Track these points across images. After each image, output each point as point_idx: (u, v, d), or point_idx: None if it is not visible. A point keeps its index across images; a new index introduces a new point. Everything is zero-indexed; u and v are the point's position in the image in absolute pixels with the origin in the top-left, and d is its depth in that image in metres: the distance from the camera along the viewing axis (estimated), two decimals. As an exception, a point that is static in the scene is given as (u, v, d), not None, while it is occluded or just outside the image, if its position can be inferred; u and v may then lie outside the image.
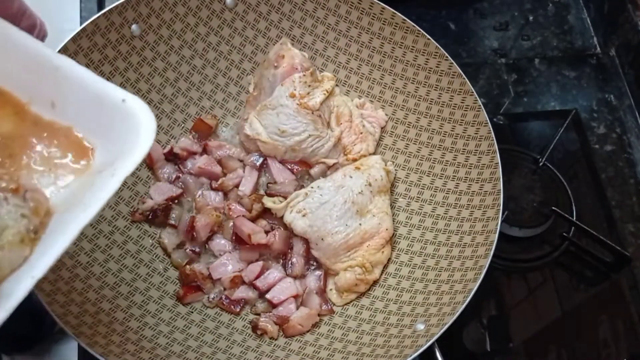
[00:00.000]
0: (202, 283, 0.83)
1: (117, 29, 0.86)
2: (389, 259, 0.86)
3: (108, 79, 0.85)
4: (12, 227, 0.48)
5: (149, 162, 0.89)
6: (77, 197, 0.51)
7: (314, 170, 0.89)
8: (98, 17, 0.84)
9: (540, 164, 1.02)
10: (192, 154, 0.90)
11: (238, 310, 0.83)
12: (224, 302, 0.83)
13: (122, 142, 0.50)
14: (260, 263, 0.84)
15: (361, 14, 0.91)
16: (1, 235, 0.47)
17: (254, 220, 0.86)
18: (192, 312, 0.82)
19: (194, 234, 0.84)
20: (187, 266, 0.84)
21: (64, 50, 0.81)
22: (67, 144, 0.54)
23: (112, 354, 0.71)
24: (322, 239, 0.83)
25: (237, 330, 0.82)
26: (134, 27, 0.87)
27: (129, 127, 0.51)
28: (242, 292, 0.84)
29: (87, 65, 0.84)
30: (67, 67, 0.54)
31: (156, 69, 0.90)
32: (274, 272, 0.84)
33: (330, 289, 0.86)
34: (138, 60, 0.89)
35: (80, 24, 0.85)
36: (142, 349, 0.75)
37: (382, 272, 0.85)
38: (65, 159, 0.54)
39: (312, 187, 0.86)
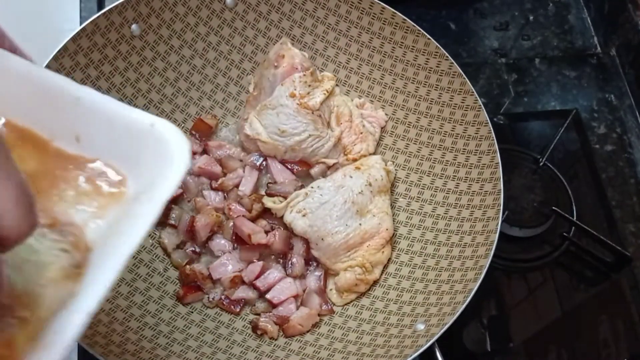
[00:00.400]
0: (202, 283, 0.83)
1: (117, 29, 0.86)
2: (389, 259, 0.86)
3: (108, 78, 0.86)
4: (54, 263, 0.45)
5: None
6: (115, 229, 0.48)
7: (314, 170, 0.89)
8: (98, 17, 0.84)
9: (541, 163, 1.02)
10: (192, 154, 0.90)
11: (238, 310, 0.83)
12: (224, 302, 0.83)
13: (156, 168, 0.48)
14: (260, 263, 0.84)
15: (361, 13, 0.91)
16: (45, 272, 0.44)
17: (254, 220, 0.86)
18: (192, 312, 0.82)
19: (194, 234, 0.84)
20: (187, 266, 0.84)
21: (64, 50, 0.81)
22: (97, 176, 0.51)
23: (112, 354, 0.71)
24: (322, 239, 0.83)
25: (237, 331, 0.82)
26: (133, 26, 0.87)
27: (161, 152, 0.48)
28: (242, 292, 0.84)
29: (87, 65, 0.84)
30: (88, 98, 0.51)
31: (156, 68, 0.90)
32: (274, 272, 0.84)
33: (330, 289, 0.86)
34: (138, 60, 0.88)
35: (80, 23, 0.85)
36: (142, 349, 0.75)
37: (382, 272, 0.85)
38: (97, 192, 0.51)
39: (312, 187, 0.86)
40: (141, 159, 0.50)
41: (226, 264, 0.84)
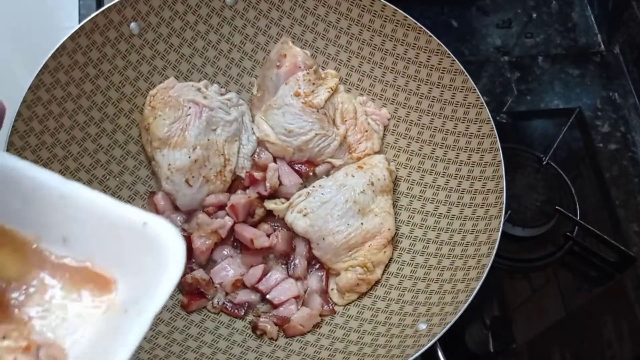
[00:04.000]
0: (205, 289, 0.82)
1: (116, 27, 0.85)
2: (391, 258, 0.85)
3: (107, 77, 0.86)
4: None
5: None
6: (101, 345, 0.44)
7: (319, 169, 0.89)
8: (97, 15, 0.83)
9: (544, 162, 1.01)
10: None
11: (242, 314, 0.82)
12: (227, 307, 0.82)
13: (148, 273, 0.44)
14: (262, 266, 0.83)
15: (362, 11, 0.91)
16: None
17: (256, 225, 0.85)
18: (192, 313, 0.82)
19: (192, 253, 0.83)
20: (187, 275, 0.82)
21: (62, 49, 0.81)
22: (84, 283, 0.47)
23: (111, 355, 0.71)
24: (323, 239, 0.82)
25: (237, 331, 0.81)
26: (132, 25, 0.87)
27: (153, 255, 0.44)
28: (244, 295, 0.83)
29: (86, 64, 0.83)
30: (74, 195, 0.47)
31: (155, 67, 0.89)
32: (276, 274, 0.83)
33: (332, 289, 0.85)
34: (137, 58, 0.88)
35: (79, 21, 0.85)
36: (141, 349, 0.75)
37: (383, 272, 0.85)
38: (83, 301, 0.46)
39: (313, 187, 0.86)
40: (133, 262, 0.46)
41: (227, 268, 0.84)
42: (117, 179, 0.86)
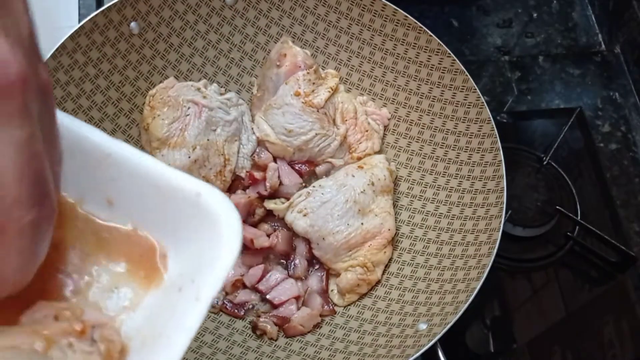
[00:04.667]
0: None
1: (116, 27, 0.85)
2: (391, 258, 0.85)
3: (107, 77, 0.86)
4: None
5: None
6: (156, 324, 0.40)
7: (319, 169, 0.88)
8: (96, 15, 0.83)
9: (544, 162, 1.01)
10: None
11: (242, 314, 0.82)
12: (227, 307, 0.82)
13: (201, 248, 0.40)
14: (262, 267, 0.83)
15: (362, 10, 0.91)
16: None
17: (256, 224, 0.85)
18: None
19: None
20: None
21: (62, 48, 0.81)
22: (133, 251, 0.43)
23: (110, 355, 0.71)
24: (323, 239, 0.82)
25: (237, 331, 0.81)
26: (132, 24, 0.86)
27: (207, 229, 0.40)
28: (244, 295, 0.83)
29: (86, 63, 0.83)
30: (120, 154, 0.42)
31: (155, 67, 0.89)
32: (276, 274, 0.83)
33: (332, 290, 0.85)
34: (137, 58, 0.88)
35: (79, 21, 0.85)
36: (141, 349, 0.75)
37: (383, 272, 0.85)
38: (134, 271, 0.42)
39: (314, 186, 0.86)
40: (185, 233, 0.41)
41: None
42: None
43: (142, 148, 0.88)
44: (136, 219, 0.43)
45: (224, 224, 0.39)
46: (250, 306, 0.83)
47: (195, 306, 0.38)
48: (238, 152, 0.88)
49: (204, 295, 0.38)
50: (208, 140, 0.85)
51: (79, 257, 0.42)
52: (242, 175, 0.87)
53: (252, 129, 0.90)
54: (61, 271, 0.41)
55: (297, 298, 0.82)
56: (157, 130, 0.83)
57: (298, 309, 0.82)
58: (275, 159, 0.89)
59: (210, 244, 0.39)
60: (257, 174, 0.86)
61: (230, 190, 0.87)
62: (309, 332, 0.81)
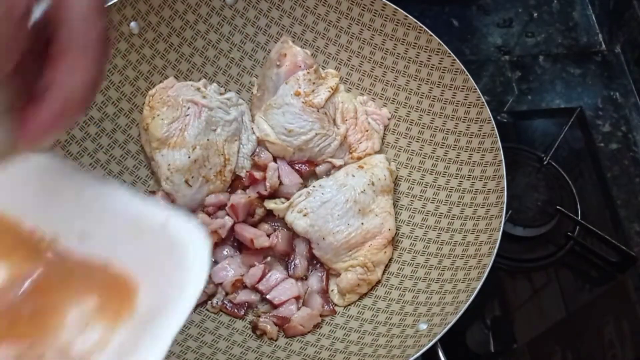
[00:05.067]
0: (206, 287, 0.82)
1: (116, 27, 0.85)
2: (391, 258, 0.85)
3: (106, 77, 0.85)
4: None
5: None
6: (125, 357, 0.40)
7: (319, 169, 0.88)
8: (96, 14, 0.83)
9: (545, 162, 1.01)
10: None
11: (242, 314, 0.82)
12: (227, 307, 0.82)
13: (170, 279, 0.40)
14: (262, 267, 0.83)
15: (362, 10, 0.90)
16: None
17: (256, 224, 0.85)
18: (191, 313, 0.81)
19: None
20: None
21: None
22: (105, 286, 0.42)
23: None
24: (323, 239, 0.82)
25: (237, 331, 0.81)
26: (132, 24, 0.86)
27: (175, 259, 0.40)
28: (244, 296, 0.83)
29: (86, 63, 0.83)
30: (94, 188, 0.43)
31: (155, 66, 0.89)
32: (276, 274, 0.83)
33: (332, 290, 0.85)
34: (137, 57, 0.88)
35: (79, 21, 0.84)
36: (141, 349, 0.75)
37: (384, 272, 0.84)
38: (105, 306, 0.42)
39: (313, 186, 0.85)
40: (154, 264, 0.41)
41: (227, 268, 0.83)
42: (117, 178, 0.86)
43: (142, 148, 0.88)
44: (108, 253, 0.43)
45: (190, 254, 0.40)
46: (251, 306, 0.83)
47: (160, 335, 0.38)
48: (238, 152, 0.88)
49: (169, 324, 0.38)
50: (208, 140, 0.85)
51: (52, 297, 0.42)
52: (242, 175, 0.87)
53: (252, 128, 0.90)
54: (32, 311, 0.41)
55: (297, 298, 0.82)
56: (157, 130, 0.83)
57: (298, 309, 0.82)
58: (275, 159, 0.89)
59: (177, 273, 0.40)
60: (257, 174, 0.86)
61: (230, 189, 0.87)
62: (309, 332, 0.81)
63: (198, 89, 0.87)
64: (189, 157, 0.83)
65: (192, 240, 0.40)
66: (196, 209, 0.85)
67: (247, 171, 0.87)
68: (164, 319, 0.38)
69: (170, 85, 0.87)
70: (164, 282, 0.40)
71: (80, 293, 0.42)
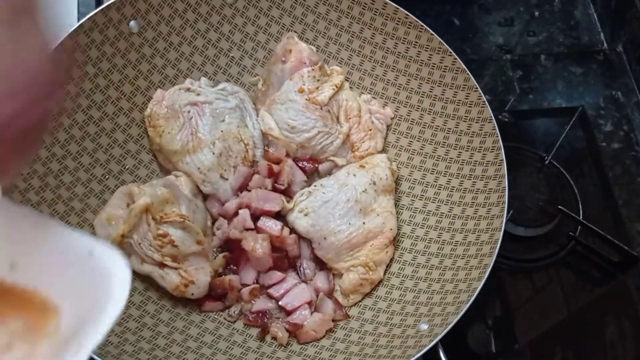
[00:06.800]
0: (230, 294, 0.81)
1: (116, 26, 0.85)
2: (392, 258, 0.85)
3: (106, 76, 0.85)
4: None
5: None
6: None
7: (322, 167, 0.88)
8: (96, 14, 0.83)
9: (546, 162, 1.00)
10: None
11: (264, 322, 0.81)
12: (250, 318, 0.81)
13: (93, 303, 0.43)
14: (277, 272, 0.82)
15: (363, 9, 0.90)
16: None
17: (283, 191, 0.85)
18: (192, 313, 0.81)
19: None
20: (225, 278, 0.81)
21: (61, 47, 0.80)
22: (30, 311, 0.46)
23: (110, 355, 0.70)
24: (324, 238, 0.82)
25: (237, 331, 0.81)
26: (132, 23, 0.86)
27: (98, 286, 0.44)
28: (261, 304, 0.82)
29: (85, 63, 0.83)
30: (25, 219, 0.47)
31: (155, 65, 0.89)
32: (289, 280, 0.82)
33: (336, 290, 0.84)
34: (137, 57, 0.87)
35: (78, 20, 0.84)
36: (141, 350, 0.74)
37: (385, 272, 0.84)
38: (30, 327, 0.45)
39: (315, 186, 0.85)
40: (79, 289, 0.45)
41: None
42: (117, 178, 0.85)
43: (141, 147, 0.88)
44: (35, 281, 0.47)
45: (113, 281, 0.43)
46: (265, 314, 0.82)
47: (79, 350, 0.41)
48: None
49: (84, 347, 0.41)
50: (222, 131, 0.85)
51: None
52: (257, 159, 0.87)
53: (256, 117, 0.89)
54: None
55: (309, 303, 0.81)
56: (171, 145, 0.83)
57: (311, 314, 0.81)
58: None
59: (100, 298, 0.43)
60: (275, 167, 0.86)
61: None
62: (322, 337, 0.80)
63: (188, 89, 0.87)
64: (214, 153, 0.83)
65: (114, 266, 0.44)
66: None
67: (267, 164, 0.86)
68: (83, 337, 0.42)
69: (160, 98, 0.86)
70: (88, 304, 0.44)
71: (6, 316, 0.46)
